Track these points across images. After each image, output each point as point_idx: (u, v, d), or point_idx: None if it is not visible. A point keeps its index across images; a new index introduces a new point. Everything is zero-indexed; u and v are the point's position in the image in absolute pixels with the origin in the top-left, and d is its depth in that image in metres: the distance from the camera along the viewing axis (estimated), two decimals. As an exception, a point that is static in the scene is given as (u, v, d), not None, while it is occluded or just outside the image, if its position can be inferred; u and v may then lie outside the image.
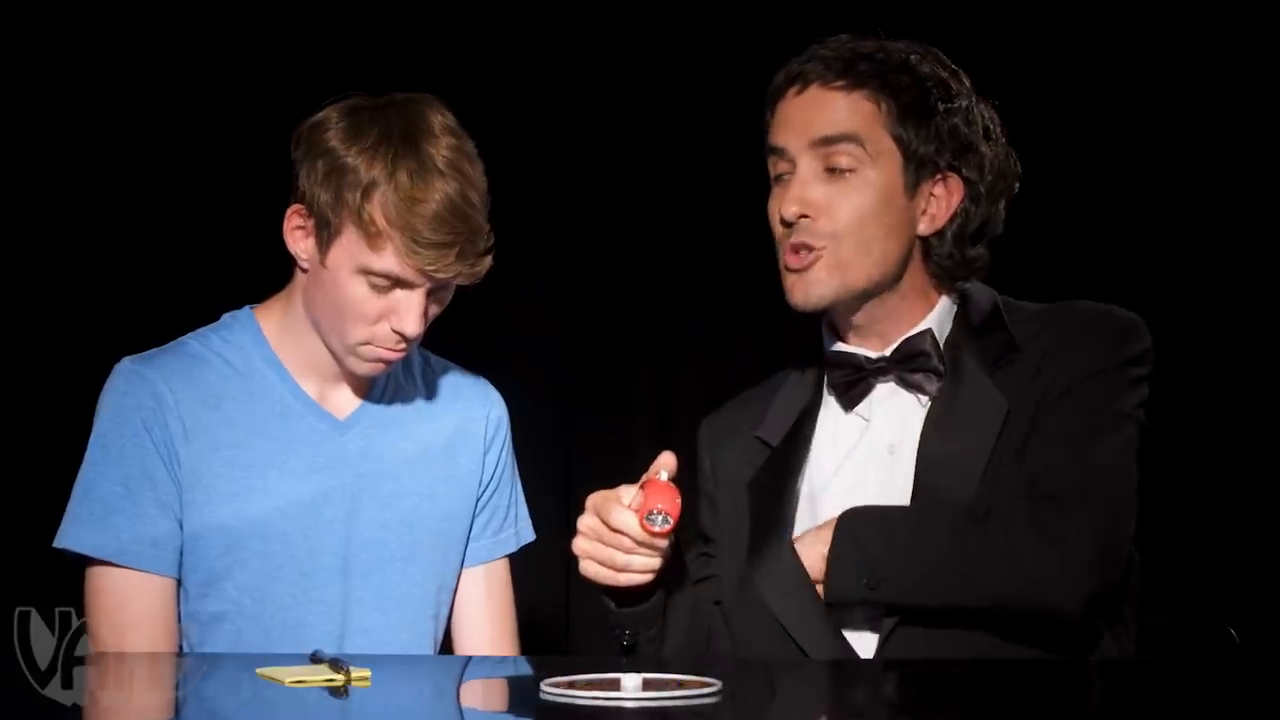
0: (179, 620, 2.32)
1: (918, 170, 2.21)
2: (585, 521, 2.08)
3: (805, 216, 2.20)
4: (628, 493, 2.06)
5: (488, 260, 2.29)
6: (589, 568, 2.09)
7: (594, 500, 2.08)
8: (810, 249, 2.20)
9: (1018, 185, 2.29)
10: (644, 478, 2.06)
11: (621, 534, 2.05)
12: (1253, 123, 3.28)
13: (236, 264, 2.98)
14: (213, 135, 3.24)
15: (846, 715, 1.91)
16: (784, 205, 2.21)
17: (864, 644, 2.17)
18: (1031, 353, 2.20)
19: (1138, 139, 3.32)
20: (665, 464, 2.05)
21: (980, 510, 2.11)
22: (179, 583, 2.32)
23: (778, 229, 2.24)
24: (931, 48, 2.27)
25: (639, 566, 2.07)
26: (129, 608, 2.27)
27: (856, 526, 2.12)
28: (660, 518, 2.01)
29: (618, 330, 3.45)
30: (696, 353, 3.41)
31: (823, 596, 2.13)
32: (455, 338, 2.49)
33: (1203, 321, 3.25)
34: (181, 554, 2.31)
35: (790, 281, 2.23)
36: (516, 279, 3.28)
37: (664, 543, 2.05)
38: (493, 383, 2.58)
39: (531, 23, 3.38)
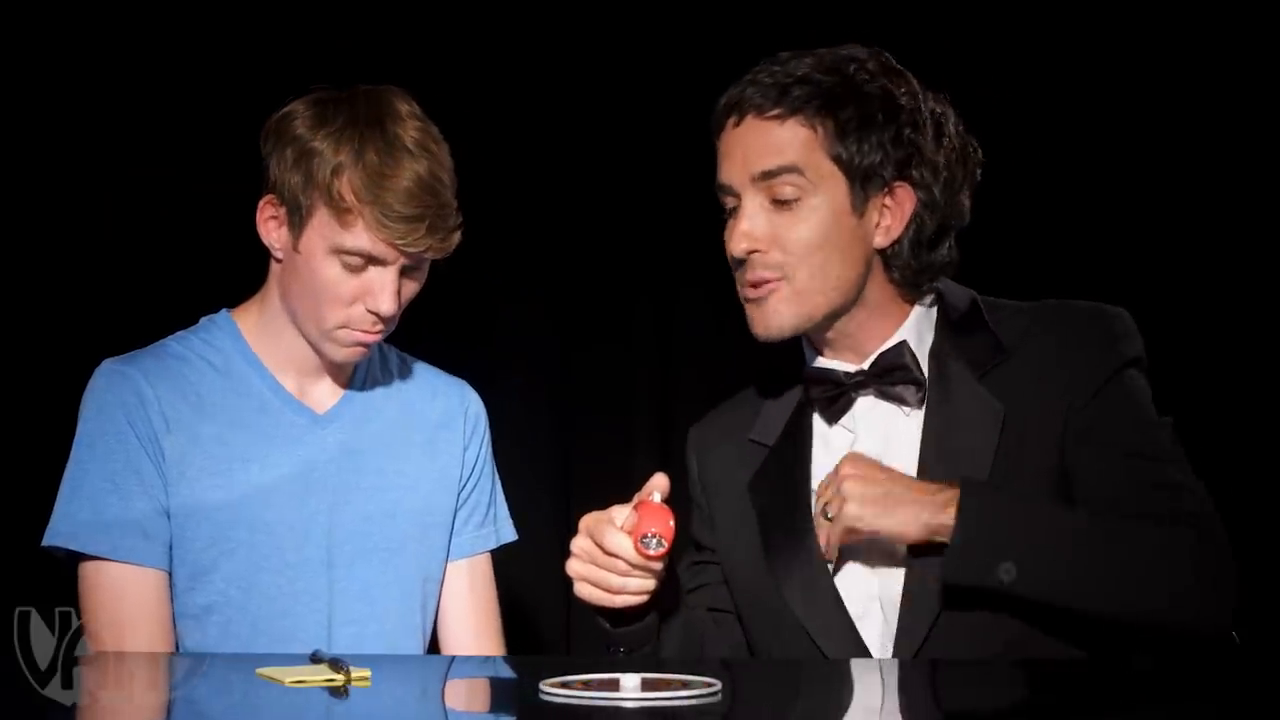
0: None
1: (864, 186, 2.19)
2: (579, 544, 2.09)
3: (755, 251, 2.20)
4: (620, 513, 2.07)
5: (457, 236, 2.33)
6: (584, 589, 2.09)
7: (587, 522, 2.08)
8: (766, 281, 2.20)
9: (980, 172, 2.27)
10: (636, 498, 2.07)
11: (616, 557, 2.05)
12: (1234, 121, 3.27)
13: (231, 265, 2.98)
14: (203, 136, 3.24)
15: (846, 715, 1.91)
16: (732, 243, 2.21)
17: (883, 646, 2.17)
18: (1025, 355, 2.20)
19: (1121, 135, 3.32)
20: (658, 485, 2.05)
21: (1113, 519, 2.09)
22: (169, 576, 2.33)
23: (732, 266, 2.24)
24: (875, 50, 2.24)
25: (634, 589, 2.08)
26: (125, 603, 2.28)
27: (988, 501, 2.06)
28: (655, 541, 2.03)
29: (618, 330, 3.44)
30: (696, 353, 3.40)
31: (941, 575, 2.08)
32: (455, 338, 2.49)
33: (1202, 322, 3.25)
34: (173, 550, 2.32)
35: (750, 314, 2.24)
36: (516, 279, 3.30)
37: (658, 565, 2.06)
38: (493, 383, 2.59)
39: (530, 23, 3.38)
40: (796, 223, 2.18)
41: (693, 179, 3.28)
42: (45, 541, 2.31)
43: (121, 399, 2.32)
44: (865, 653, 2.16)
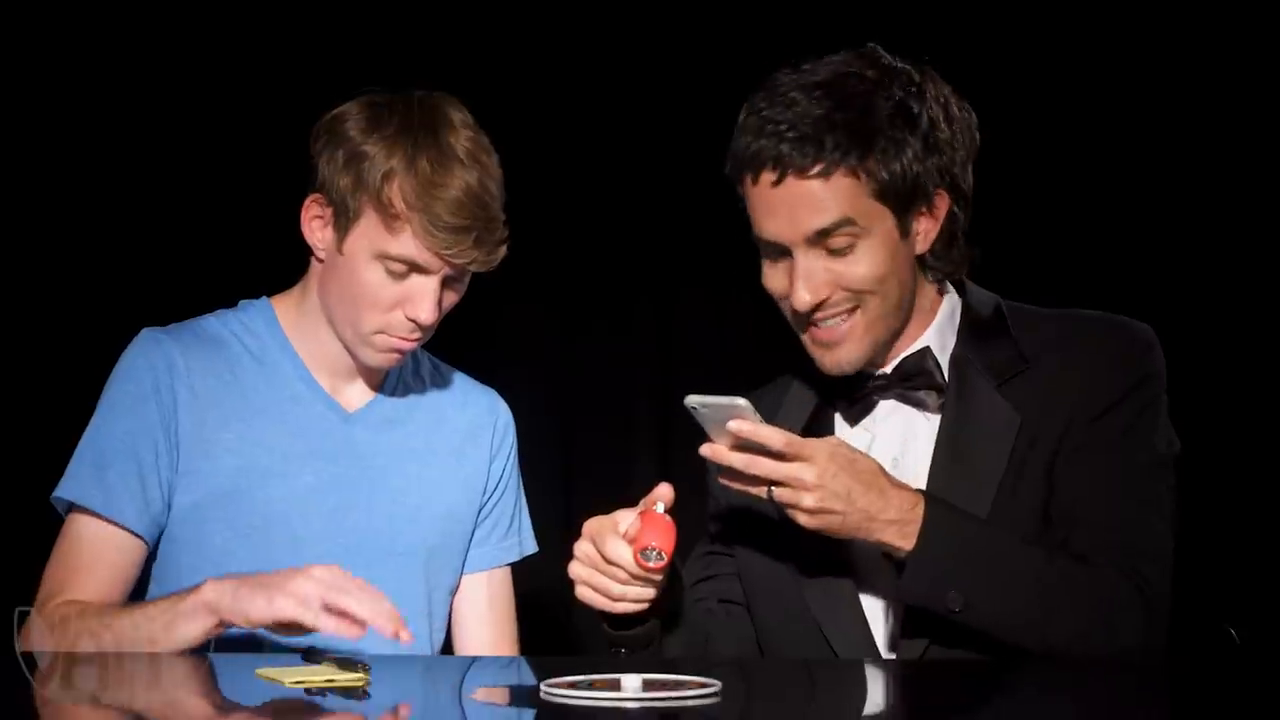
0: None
1: (908, 209, 2.17)
2: (581, 548, 2.08)
3: (821, 301, 2.18)
4: (625, 518, 2.07)
5: (502, 250, 2.32)
6: (584, 593, 2.09)
7: (590, 527, 2.08)
8: (833, 321, 2.18)
9: (978, 137, 2.24)
10: (642, 504, 2.07)
11: (616, 566, 2.05)
12: (1253, 122, 3.27)
13: (239, 264, 2.99)
14: (225, 133, 3.26)
15: (846, 716, 1.91)
16: (795, 297, 2.17)
17: (889, 647, 2.18)
18: (1045, 366, 2.19)
19: (1140, 139, 3.32)
20: (662, 496, 2.05)
21: (1054, 548, 2.10)
22: (164, 559, 2.33)
23: (788, 309, 2.21)
24: (866, 52, 2.21)
25: (634, 596, 2.07)
26: (91, 553, 2.28)
27: (949, 527, 2.07)
28: (655, 554, 2.02)
29: (618, 330, 3.45)
30: (696, 353, 3.40)
31: (897, 592, 2.10)
32: (455, 337, 2.49)
33: (1202, 321, 3.24)
34: (183, 526, 2.32)
35: (820, 355, 2.22)
36: (516, 279, 3.29)
37: (658, 576, 2.06)
38: (493, 383, 2.59)
39: (531, 22, 3.38)
40: (855, 265, 2.17)
41: (693, 179, 3.30)
42: (55, 494, 2.31)
43: (152, 365, 2.33)
44: (876, 654, 2.16)
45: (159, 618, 2.12)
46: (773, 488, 2.04)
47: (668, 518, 2.04)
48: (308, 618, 2.02)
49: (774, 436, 2.02)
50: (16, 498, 2.85)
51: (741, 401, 2.01)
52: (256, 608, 2.05)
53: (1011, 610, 2.06)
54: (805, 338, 2.23)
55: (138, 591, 2.35)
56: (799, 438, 2.04)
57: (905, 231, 2.19)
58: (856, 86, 2.17)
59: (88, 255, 3.25)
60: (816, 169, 2.14)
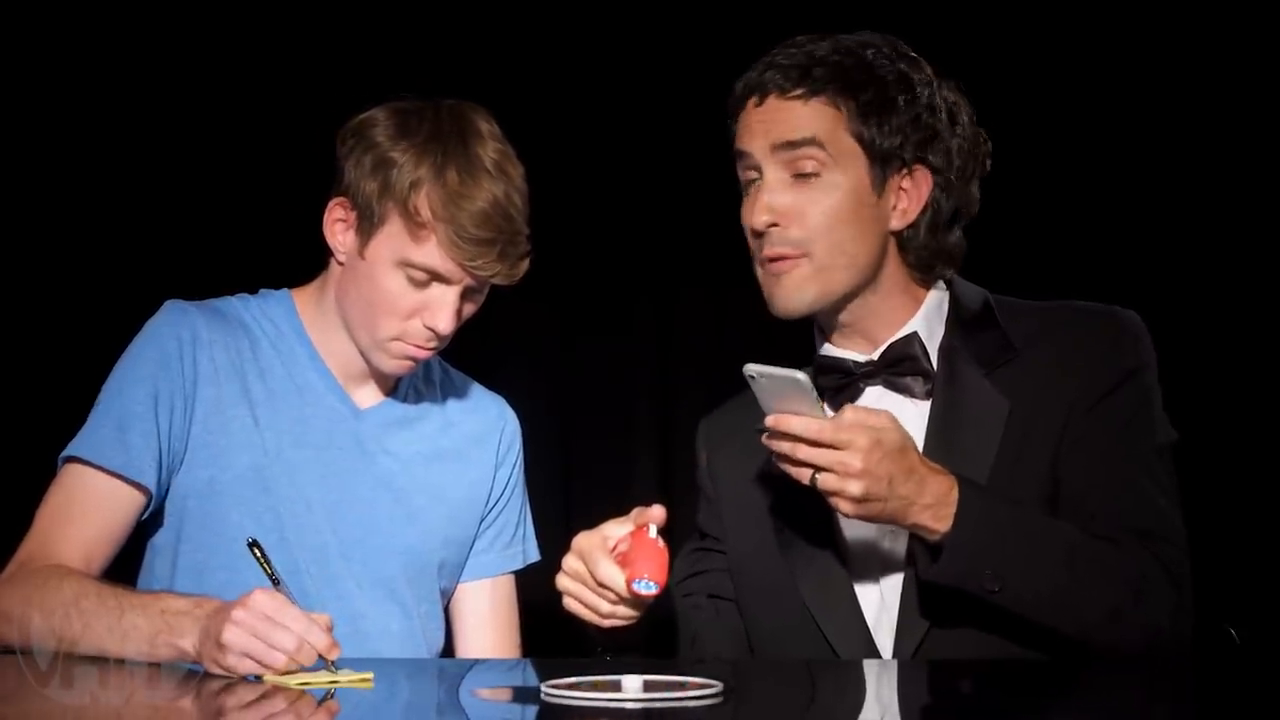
0: (163, 571, 2.34)
1: (883, 166, 2.19)
2: (571, 565, 2.07)
3: (776, 225, 2.19)
4: (614, 531, 2.05)
5: (525, 264, 2.33)
6: (573, 605, 2.08)
7: (580, 544, 2.06)
8: (785, 257, 2.19)
9: (989, 164, 2.28)
10: (632, 516, 2.05)
11: (607, 589, 2.04)
12: (1248, 118, 3.28)
13: (251, 255, 3.00)
14: (245, 126, 3.27)
15: (847, 716, 1.91)
16: (753, 215, 2.20)
17: (884, 645, 2.17)
18: (1034, 355, 2.20)
19: (1132, 133, 3.32)
20: (655, 517, 2.02)
21: (1093, 543, 2.08)
22: (173, 530, 2.33)
23: (751, 238, 2.24)
24: (890, 38, 2.25)
25: (623, 615, 2.06)
26: (93, 507, 2.27)
27: (984, 508, 2.05)
28: (649, 584, 1.99)
29: (617, 330, 3.45)
30: (696, 353, 3.41)
31: (921, 570, 2.08)
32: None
33: (1202, 320, 3.25)
34: (199, 501, 2.32)
35: (769, 290, 2.23)
36: (517, 279, 3.30)
37: (650, 600, 2.04)
38: (492, 383, 2.59)
39: (530, 21, 3.38)
40: (817, 198, 2.19)
41: (694, 179, 3.30)
42: (69, 452, 2.29)
43: (177, 333, 2.34)
44: (875, 653, 2.16)
45: (135, 638, 2.07)
46: (816, 475, 2.01)
47: (661, 542, 2.01)
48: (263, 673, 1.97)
49: (810, 427, 1.99)
50: (16, 496, 2.87)
51: (801, 376, 1.97)
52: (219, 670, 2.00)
53: (1047, 588, 2.05)
54: (760, 272, 2.23)
55: (134, 562, 2.36)
56: (844, 420, 2.00)
57: (878, 189, 2.20)
58: (867, 49, 2.22)
59: (97, 242, 3.26)
60: (798, 91, 2.19)
